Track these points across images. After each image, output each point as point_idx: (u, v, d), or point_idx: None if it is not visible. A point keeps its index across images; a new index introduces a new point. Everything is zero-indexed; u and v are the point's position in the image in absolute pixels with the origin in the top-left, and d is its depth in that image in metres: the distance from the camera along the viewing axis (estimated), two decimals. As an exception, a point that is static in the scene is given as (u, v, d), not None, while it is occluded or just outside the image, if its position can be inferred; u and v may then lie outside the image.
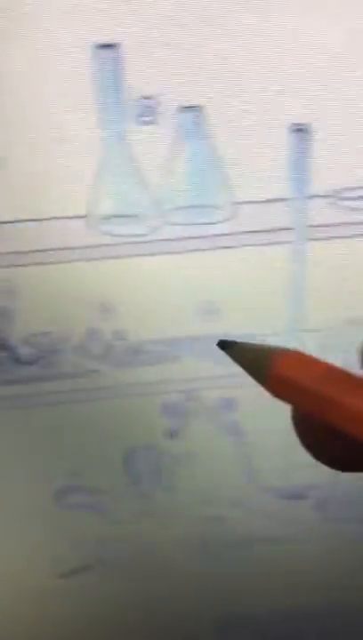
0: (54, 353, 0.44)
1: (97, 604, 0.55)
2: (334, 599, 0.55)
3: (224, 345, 0.23)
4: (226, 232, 0.39)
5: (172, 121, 0.36)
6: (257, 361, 0.22)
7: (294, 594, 0.55)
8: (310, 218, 0.39)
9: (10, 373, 0.44)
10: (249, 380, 0.47)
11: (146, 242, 0.40)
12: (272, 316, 0.43)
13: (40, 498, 0.50)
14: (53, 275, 0.41)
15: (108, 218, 0.39)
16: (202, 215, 0.39)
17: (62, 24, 0.34)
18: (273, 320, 0.43)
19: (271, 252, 0.40)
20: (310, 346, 0.42)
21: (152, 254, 0.40)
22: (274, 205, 0.39)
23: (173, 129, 0.36)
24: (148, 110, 0.35)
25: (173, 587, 0.55)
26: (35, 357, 0.44)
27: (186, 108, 0.36)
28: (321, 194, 0.38)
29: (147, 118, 0.35)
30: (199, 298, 0.42)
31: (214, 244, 0.40)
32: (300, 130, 0.36)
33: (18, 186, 0.38)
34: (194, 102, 0.36)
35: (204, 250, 0.40)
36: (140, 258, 0.40)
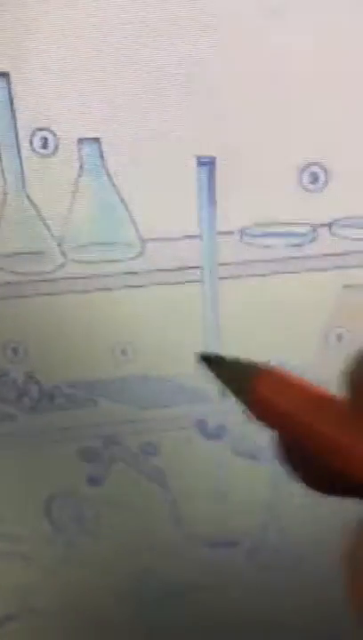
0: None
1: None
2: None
3: (204, 359, 0.22)
4: (135, 270, 0.37)
5: (70, 153, 0.34)
6: (238, 380, 0.21)
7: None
8: (221, 256, 0.37)
9: None
10: (169, 424, 0.44)
11: (51, 280, 0.38)
12: (189, 355, 0.41)
13: None
14: None
15: (10, 255, 0.37)
16: (108, 252, 0.37)
17: None
18: (191, 360, 0.41)
19: (182, 290, 0.38)
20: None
21: (58, 293, 0.38)
22: (183, 242, 0.37)
23: (72, 162, 0.34)
24: (44, 142, 0.33)
25: (104, 637, 0.53)
26: None
27: (85, 140, 0.34)
28: (230, 230, 0.37)
29: (44, 151, 0.33)
30: (112, 338, 0.40)
31: (123, 283, 0.38)
32: (206, 163, 0.34)
33: None
34: (93, 134, 0.34)
35: (113, 289, 0.38)
36: (46, 297, 0.38)
